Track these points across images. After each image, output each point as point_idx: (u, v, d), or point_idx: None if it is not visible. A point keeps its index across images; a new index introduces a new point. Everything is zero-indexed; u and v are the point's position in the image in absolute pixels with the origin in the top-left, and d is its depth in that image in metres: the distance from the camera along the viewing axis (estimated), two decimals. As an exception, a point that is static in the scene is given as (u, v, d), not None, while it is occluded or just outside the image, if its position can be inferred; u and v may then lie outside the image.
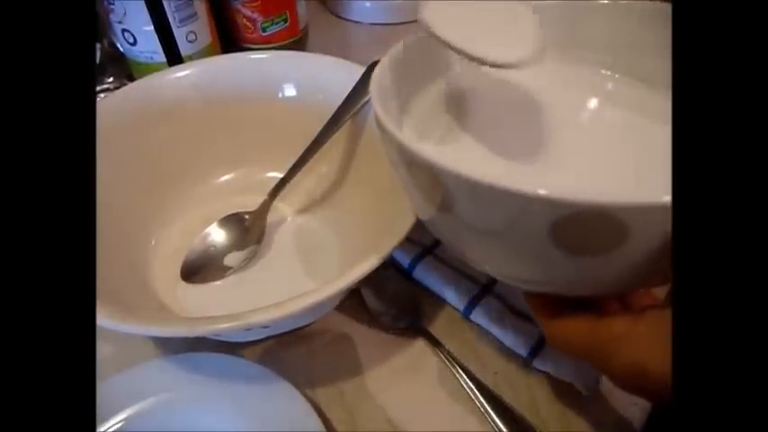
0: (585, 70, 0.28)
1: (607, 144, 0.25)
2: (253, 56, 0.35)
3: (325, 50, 0.41)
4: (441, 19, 0.24)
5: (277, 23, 0.48)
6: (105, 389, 0.27)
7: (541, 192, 0.15)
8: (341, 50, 0.53)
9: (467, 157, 0.25)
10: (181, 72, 0.35)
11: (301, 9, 0.50)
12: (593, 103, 0.27)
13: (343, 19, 0.60)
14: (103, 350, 0.30)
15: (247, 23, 0.47)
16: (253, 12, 0.46)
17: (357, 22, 0.59)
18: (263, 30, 0.47)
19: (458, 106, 0.27)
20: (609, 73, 0.27)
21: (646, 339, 0.17)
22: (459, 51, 0.23)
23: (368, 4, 0.58)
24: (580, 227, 0.16)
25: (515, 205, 0.16)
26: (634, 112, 0.26)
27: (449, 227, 0.21)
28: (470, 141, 0.25)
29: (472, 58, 0.23)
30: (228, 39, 0.48)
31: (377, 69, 0.24)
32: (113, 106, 0.33)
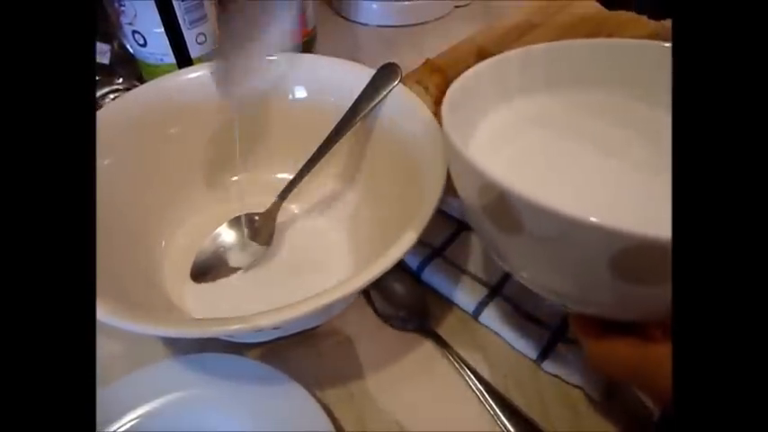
0: (636, 105, 0.28)
1: (656, 179, 0.25)
2: (266, 58, 0.35)
3: (333, 52, 0.41)
4: None
5: (285, 25, 0.48)
6: (116, 389, 0.27)
7: (608, 224, 0.16)
8: (348, 52, 0.54)
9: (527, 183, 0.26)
10: (193, 73, 0.35)
11: (310, 12, 0.50)
12: (642, 138, 0.27)
13: (351, 21, 0.60)
14: (114, 350, 0.30)
15: (256, 25, 0.47)
16: (262, 14, 0.47)
17: (364, 24, 0.59)
18: (272, 32, 0.48)
19: (519, 133, 0.28)
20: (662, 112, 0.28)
21: None
22: None
23: (375, 6, 0.58)
24: (640, 258, 0.17)
25: (583, 234, 0.17)
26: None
27: (506, 243, 0.22)
28: (529, 168, 0.26)
29: None
30: (237, 40, 0.49)
31: (449, 91, 0.26)
32: (126, 107, 0.33)
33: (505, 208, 0.19)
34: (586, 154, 0.27)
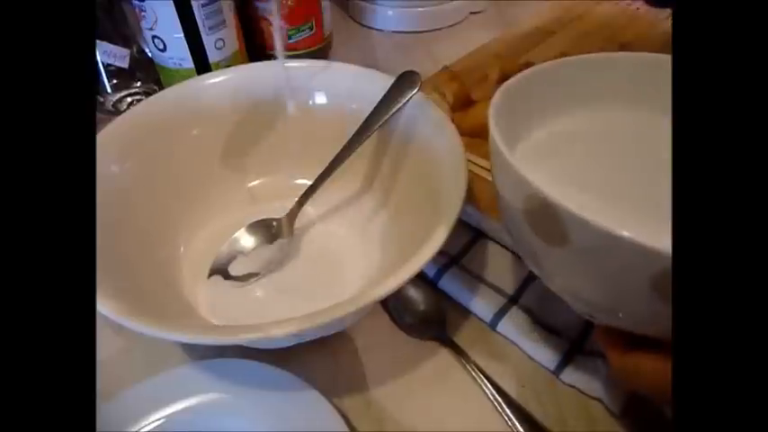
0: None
1: None
2: (287, 64, 0.35)
3: (348, 58, 0.41)
4: None
5: (303, 31, 0.48)
6: (134, 393, 0.27)
7: (651, 243, 0.16)
8: (364, 58, 0.54)
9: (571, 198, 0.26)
10: (216, 78, 0.36)
11: (326, 17, 0.50)
12: None
13: (366, 27, 0.60)
14: (132, 353, 0.31)
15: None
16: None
17: (379, 29, 0.59)
18: (289, 37, 0.48)
19: (564, 148, 0.28)
20: None
21: None
22: None
23: (390, 12, 0.58)
24: None
25: (627, 252, 0.17)
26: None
27: (547, 253, 0.22)
28: (574, 186, 0.26)
29: None
30: (254, 46, 0.49)
31: (497, 96, 0.25)
32: (147, 111, 0.34)
33: (551, 220, 0.19)
34: (631, 171, 0.27)
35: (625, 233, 0.17)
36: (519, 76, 0.27)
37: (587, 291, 0.22)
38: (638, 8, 0.59)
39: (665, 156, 0.26)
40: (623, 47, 0.47)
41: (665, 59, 0.28)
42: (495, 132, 0.23)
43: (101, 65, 0.45)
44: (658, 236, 0.16)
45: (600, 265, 0.19)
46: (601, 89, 0.28)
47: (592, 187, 0.26)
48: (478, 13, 0.61)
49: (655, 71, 0.27)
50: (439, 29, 0.59)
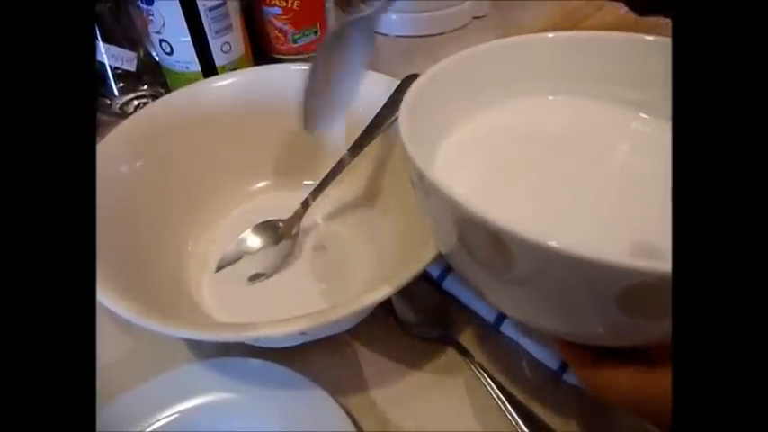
0: (619, 110, 0.26)
1: (645, 193, 0.23)
2: (293, 67, 0.36)
3: (353, 62, 0.41)
4: None
5: (307, 35, 0.49)
6: (140, 392, 0.27)
7: (618, 260, 0.14)
8: (368, 62, 0.54)
9: (501, 206, 0.21)
10: (222, 81, 0.36)
11: (331, 21, 0.51)
12: (626, 147, 0.26)
13: (370, 31, 0.61)
14: (138, 351, 0.31)
15: (279, 35, 0.48)
16: (284, 24, 0.47)
17: (383, 34, 0.60)
18: (294, 41, 0.49)
19: (488, 147, 0.26)
20: (644, 115, 0.26)
21: None
22: None
23: (394, 16, 0.59)
24: (654, 293, 0.15)
25: (590, 272, 0.15)
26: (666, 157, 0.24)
27: (487, 281, 0.20)
28: (502, 186, 0.24)
29: None
30: (260, 49, 0.50)
31: (406, 98, 0.23)
32: (157, 113, 0.34)
33: (492, 245, 0.16)
34: (571, 168, 0.24)
35: (589, 253, 0.14)
36: (435, 67, 0.24)
37: (543, 318, 0.20)
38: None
39: (609, 151, 0.24)
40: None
41: (600, 37, 0.25)
42: (407, 136, 0.20)
43: (108, 68, 0.45)
44: (608, 247, 0.14)
45: (555, 289, 0.17)
46: (531, 75, 0.26)
47: (525, 193, 0.23)
48: (481, 17, 0.62)
49: (586, 50, 0.25)
50: (442, 33, 0.59)
